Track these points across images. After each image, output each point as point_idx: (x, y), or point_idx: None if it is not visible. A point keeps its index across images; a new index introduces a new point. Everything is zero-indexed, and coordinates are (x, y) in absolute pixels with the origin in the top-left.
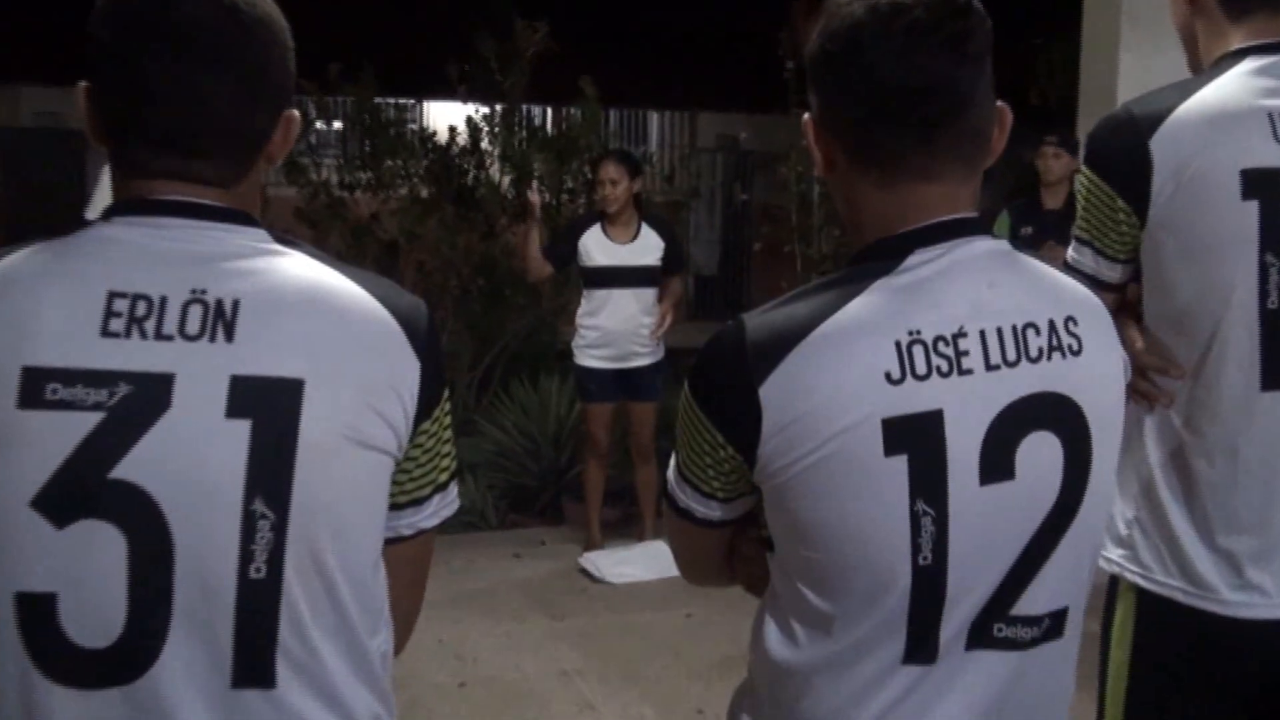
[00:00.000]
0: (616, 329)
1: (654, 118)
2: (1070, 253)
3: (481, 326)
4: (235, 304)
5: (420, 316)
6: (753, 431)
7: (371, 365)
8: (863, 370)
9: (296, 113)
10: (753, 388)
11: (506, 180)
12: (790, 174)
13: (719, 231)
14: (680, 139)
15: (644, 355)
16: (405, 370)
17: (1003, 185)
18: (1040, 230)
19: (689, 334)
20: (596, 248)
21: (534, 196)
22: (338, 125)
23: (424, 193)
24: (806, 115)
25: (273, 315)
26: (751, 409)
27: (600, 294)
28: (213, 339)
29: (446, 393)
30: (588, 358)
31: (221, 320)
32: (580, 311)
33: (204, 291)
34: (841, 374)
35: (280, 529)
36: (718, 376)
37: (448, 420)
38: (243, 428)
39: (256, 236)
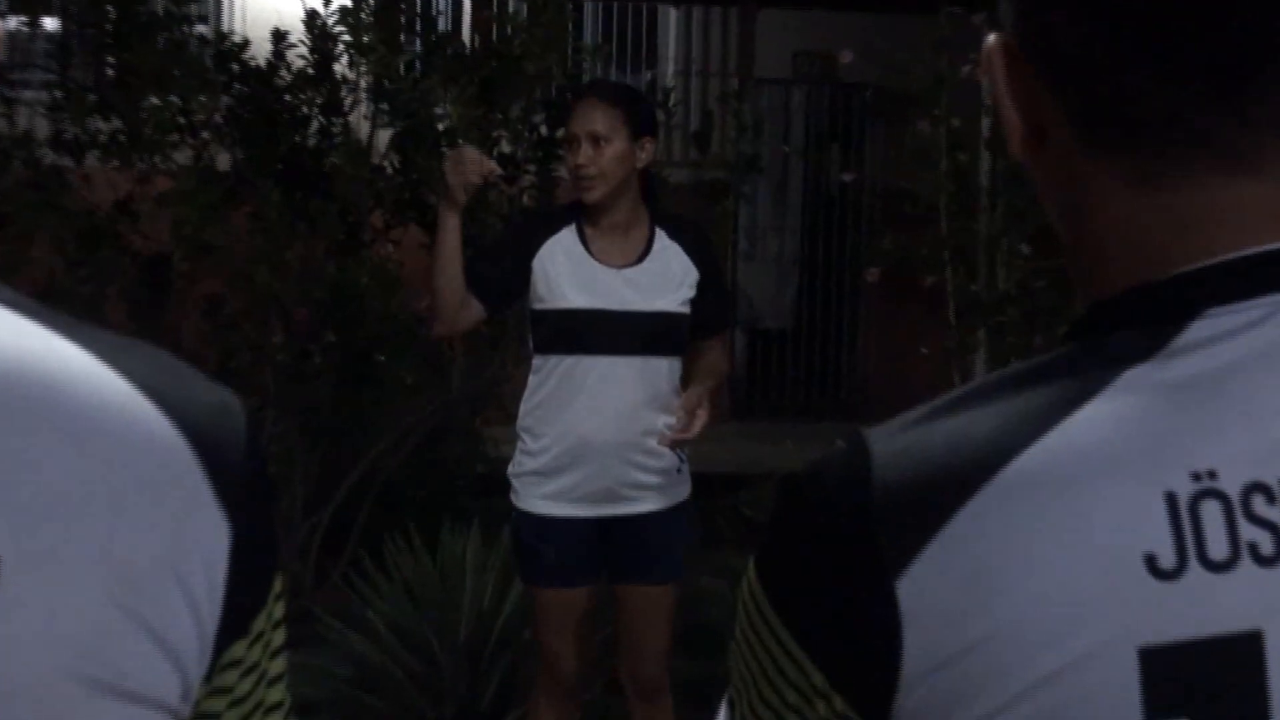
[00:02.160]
0: (598, 436)
1: (671, 16)
2: None
3: (332, 428)
4: None
5: (230, 429)
6: (882, 667)
7: (131, 533)
8: (1101, 549)
9: None
10: (884, 580)
11: (384, 136)
12: (940, 134)
13: (796, 242)
14: (724, 60)
15: (650, 491)
16: (200, 538)
17: None
18: None
19: (739, 448)
20: (566, 274)
21: (473, 160)
22: (51, 25)
23: (222, 161)
24: (993, 37)
25: None
26: (881, 623)
27: (568, 365)
28: None
29: (278, 581)
30: (538, 495)
31: None
32: (527, 399)
33: None
34: (1059, 557)
35: None
36: (814, 555)
37: (279, 635)
38: None
39: None
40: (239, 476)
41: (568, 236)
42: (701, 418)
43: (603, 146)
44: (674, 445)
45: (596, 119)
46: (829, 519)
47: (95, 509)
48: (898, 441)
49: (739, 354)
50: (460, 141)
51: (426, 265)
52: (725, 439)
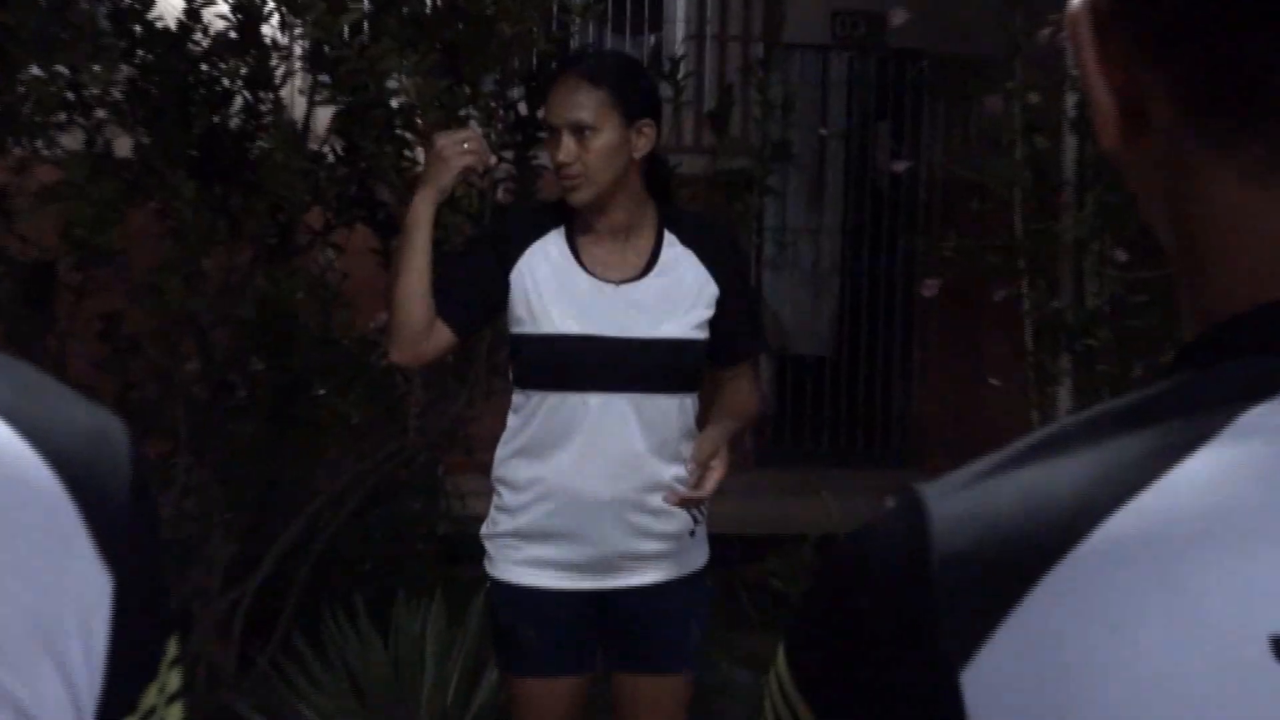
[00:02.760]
0: (592, 492)
1: None
2: None
3: (260, 478)
4: None
5: (110, 460)
6: None
7: None
8: (1215, 631)
9: None
10: (946, 673)
11: (323, 115)
12: (1013, 112)
13: (836, 247)
14: (746, 21)
15: (657, 559)
16: (75, 595)
17: None
18: None
19: (767, 504)
20: (552, 291)
21: (473, 142)
22: None
23: (122, 146)
24: None
25: None
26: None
27: (555, 403)
28: None
29: (173, 645)
30: (518, 562)
31: None
32: (505, 444)
33: None
34: (1162, 642)
35: None
36: (859, 641)
37: (175, 712)
38: None
39: None
40: (121, 518)
41: (554, 244)
42: (717, 472)
43: (588, 138)
44: (685, 504)
45: (578, 104)
46: (878, 597)
47: None
48: (962, 500)
49: (766, 385)
50: (419, 122)
51: (376, 276)
52: (749, 492)
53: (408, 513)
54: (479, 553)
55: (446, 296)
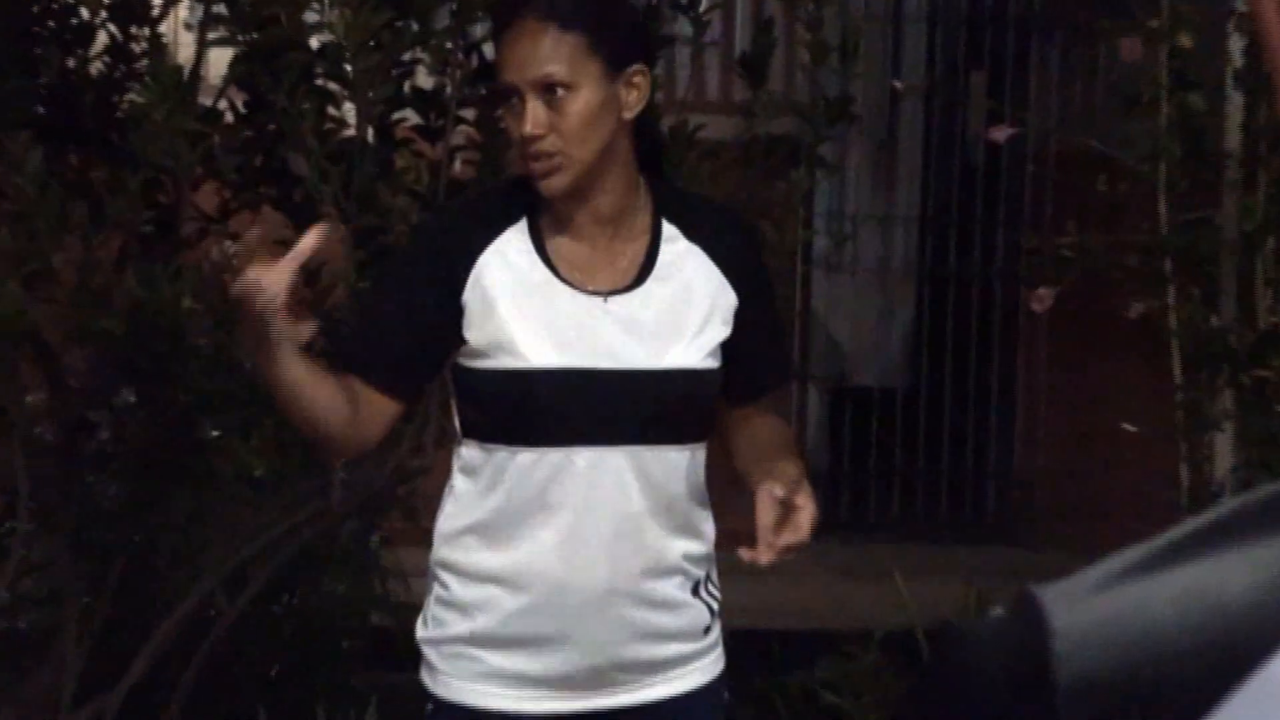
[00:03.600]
0: (577, 580)
1: None
2: None
3: (130, 550)
4: None
5: None
6: None
7: None
8: None
9: None
10: None
11: (219, 59)
12: (1158, 61)
13: (912, 242)
14: None
15: (664, 667)
16: None
17: None
18: None
19: (815, 586)
20: (516, 307)
21: (245, 286)
22: None
23: None
24: None
25: None
26: None
27: (525, 463)
28: None
29: None
30: (472, 676)
31: None
32: (451, 515)
33: None
34: None
35: None
36: None
37: None
38: None
39: None
40: None
41: (515, 244)
42: (809, 509)
43: (563, 100)
44: (765, 559)
45: (545, 56)
46: None
47: None
48: (1095, 610)
49: (813, 430)
50: (348, 70)
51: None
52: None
53: (330, 598)
54: (418, 658)
55: (374, 353)
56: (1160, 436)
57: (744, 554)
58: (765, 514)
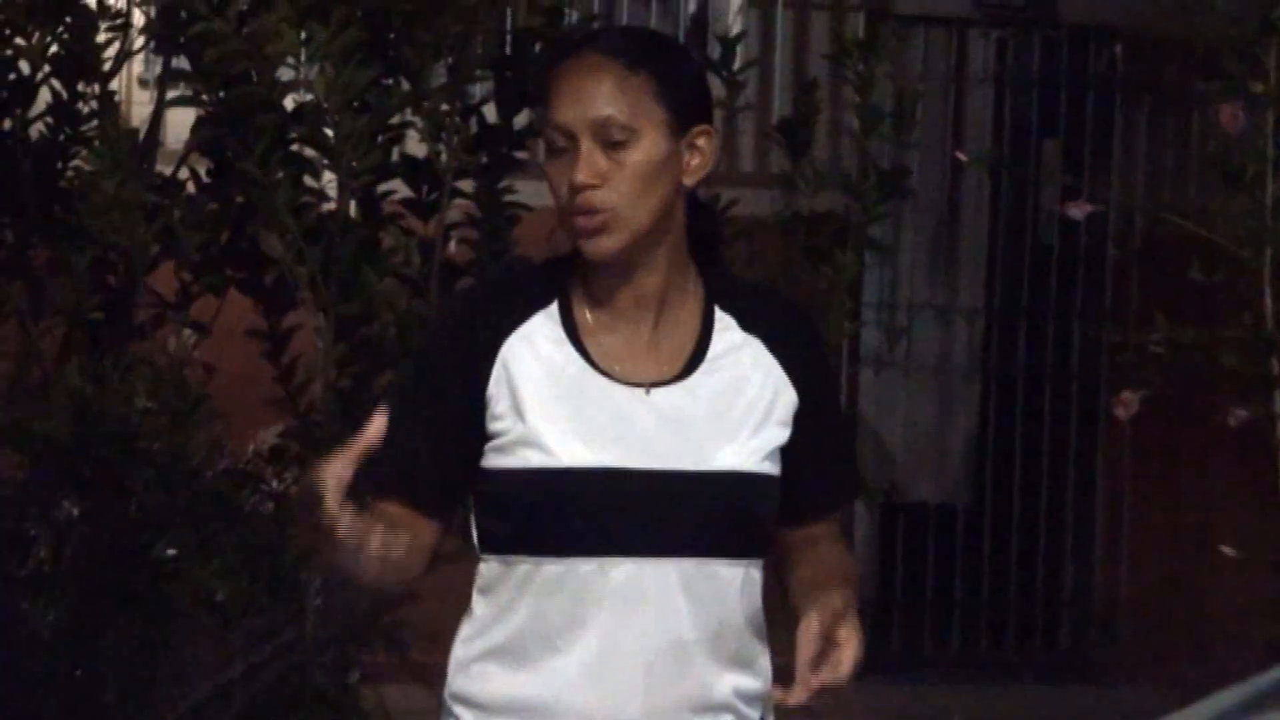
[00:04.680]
0: (612, 713)
1: None
2: None
3: (71, 689)
4: None
5: None
6: None
7: None
8: None
9: None
10: None
11: (180, 119)
12: (1264, 125)
13: (978, 335)
14: None
15: None
16: None
17: None
18: None
19: None
20: (545, 398)
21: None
22: None
23: None
24: None
25: None
26: None
27: (553, 577)
28: None
29: None
30: None
31: None
32: (469, 638)
33: None
34: None
35: None
36: None
37: None
38: None
39: None
40: None
41: (544, 328)
42: (851, 645)
43: (623, 149)
44: (794, 700)
45: (607, 95)
46: None
47: None
48: None
49: (861, 552)
50: (329, 134)
51: (258, 370)
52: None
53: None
54: None
55: (408, 476)
56: (1263, 561)
57: (775, 693)
58: (803, 649)
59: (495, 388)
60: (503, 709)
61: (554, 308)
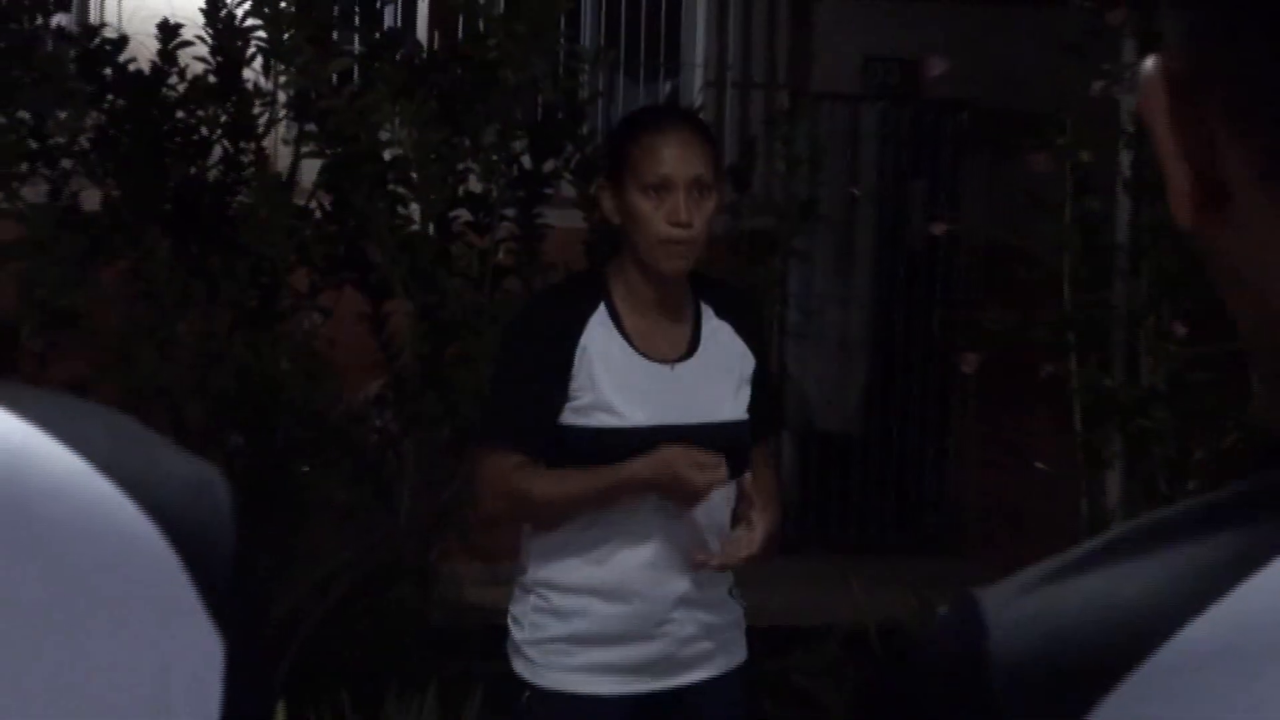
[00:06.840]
0: (657, 590)
1: (700, 6)
2: None
3: None
4: None
5: (214, 513)
6: None
7: (89, 663)
8: None
9: None
10: None
11: (310, 168)
12: (1064, 171)
13: (866, 317)
14: (771, 67)
15: (708, 655)
16: (185, 659)
17: None
18: None
19: (789, 592)
20: (611, 376)
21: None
22: None
23: (89, 199)
24: (1152, 61)
25: None
26: None
27: (631, 502)
28: None
29: (281, 715)
30: (571, 668)
31: None
32: (543, 539)
33: None
34: None
35: None
36: None
37: None
38: None
39: None
40: (228, 574)
41: (600, 323)
42: (764, 528)
43: (704, 199)
44: (714, 562)
45: (699, 160)
46: (934, 714)
47: (40, 631)
48: (1023, 607)
49: (787, 468)
50: (413, 176)
51: (366, 343)
52: (770, 582)
53: (398, 603)
54: (474, 644)
55: (528, 431)
56: (1065, 474)
57: (697, 556)
58: (733, 536)
59: (578, 362)
60: (583, 590)
61: (603, 309)
